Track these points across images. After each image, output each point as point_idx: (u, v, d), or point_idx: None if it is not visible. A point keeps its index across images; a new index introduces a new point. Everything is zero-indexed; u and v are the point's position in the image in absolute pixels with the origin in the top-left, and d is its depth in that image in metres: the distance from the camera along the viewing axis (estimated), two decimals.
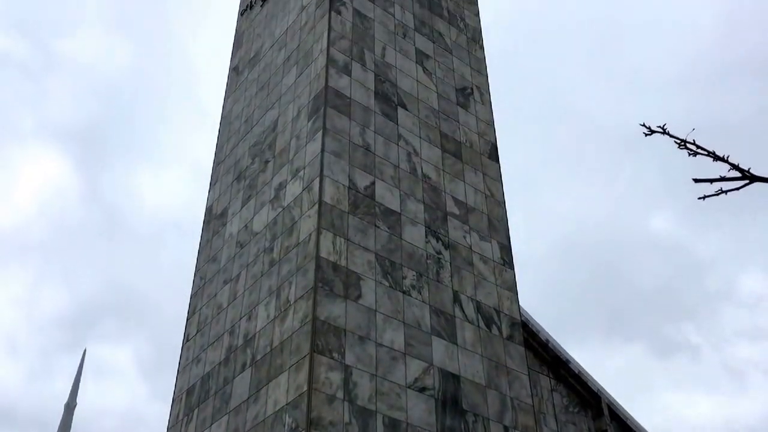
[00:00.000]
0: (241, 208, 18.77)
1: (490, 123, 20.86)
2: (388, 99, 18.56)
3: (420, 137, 18.45)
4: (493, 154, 20.10)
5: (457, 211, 17.87)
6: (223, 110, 22.98)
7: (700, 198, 5.88)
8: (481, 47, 22.92)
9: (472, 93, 21.11)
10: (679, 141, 6.06)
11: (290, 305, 14.61)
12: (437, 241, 16.85)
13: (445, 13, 22.66)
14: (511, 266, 18.11)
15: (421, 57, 20.47)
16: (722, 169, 5.88)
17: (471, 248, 17.47)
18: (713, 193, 5.92)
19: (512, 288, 17.68)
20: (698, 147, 6.01)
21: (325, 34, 18.65)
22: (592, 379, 20.79)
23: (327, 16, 19.07)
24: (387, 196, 16.65)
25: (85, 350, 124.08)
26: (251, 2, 25.10)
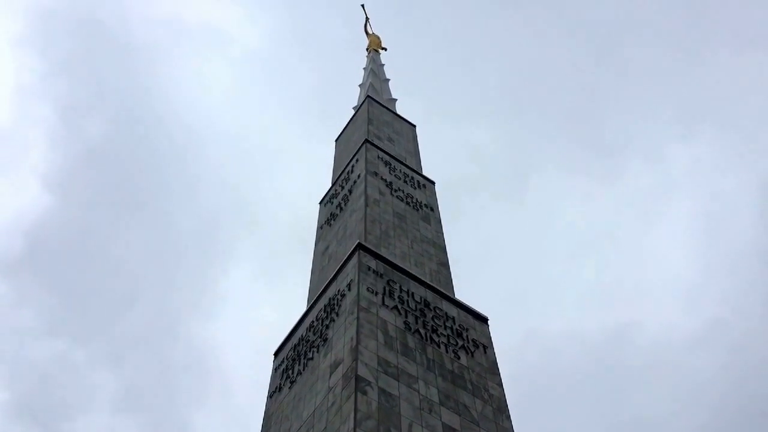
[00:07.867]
0: None
1: None
2: None
3: None
4: None
5: None
6: None
7: None
8: (508, 417, 22.89)
9: None
10: None
11: None
12: None
13: (469, 385, 23.12)
14: None
15: (447, 431, 20.43)
16: None
17: None
18: None
19: None
20: None
21: (352, 416, 18.93)
22: None
23: (353, 397, 19.54)
24: None
25: None
26: (280, 384, 25.89)
